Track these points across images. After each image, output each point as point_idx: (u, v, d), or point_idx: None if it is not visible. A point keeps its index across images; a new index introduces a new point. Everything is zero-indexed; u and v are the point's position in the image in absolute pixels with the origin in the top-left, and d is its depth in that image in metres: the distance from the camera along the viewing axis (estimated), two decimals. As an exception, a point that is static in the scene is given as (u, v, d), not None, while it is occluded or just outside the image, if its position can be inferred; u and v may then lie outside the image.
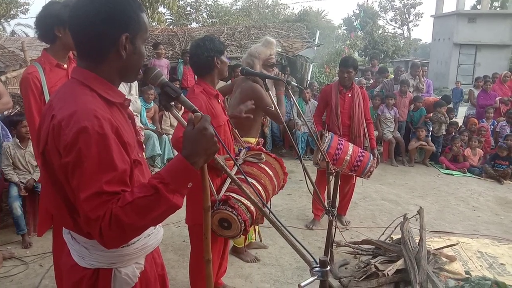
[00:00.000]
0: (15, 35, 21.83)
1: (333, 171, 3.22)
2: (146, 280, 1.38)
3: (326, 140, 3.93)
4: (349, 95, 4.22)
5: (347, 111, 4.20)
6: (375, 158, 4.14)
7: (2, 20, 24.41)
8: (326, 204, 2.93)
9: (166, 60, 8.14)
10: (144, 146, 5.50)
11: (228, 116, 2.73)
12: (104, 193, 1.10)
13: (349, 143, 4.05)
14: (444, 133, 7.58)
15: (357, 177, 4.28)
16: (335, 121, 4.20)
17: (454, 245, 3.72)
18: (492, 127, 7.92)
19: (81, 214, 1.13)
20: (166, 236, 3.85)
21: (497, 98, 8.35)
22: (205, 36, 2.63)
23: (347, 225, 4.43)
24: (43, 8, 2.45)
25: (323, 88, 4.84)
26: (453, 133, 7.62)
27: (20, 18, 24.55)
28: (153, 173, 1.28)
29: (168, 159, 6.37)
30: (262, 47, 3.38)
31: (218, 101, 2.61)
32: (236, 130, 2.82)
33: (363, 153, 4.03)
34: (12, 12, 23.29)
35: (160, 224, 1.43)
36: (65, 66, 2.53)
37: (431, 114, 7.58)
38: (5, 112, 4.31)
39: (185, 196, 1.21)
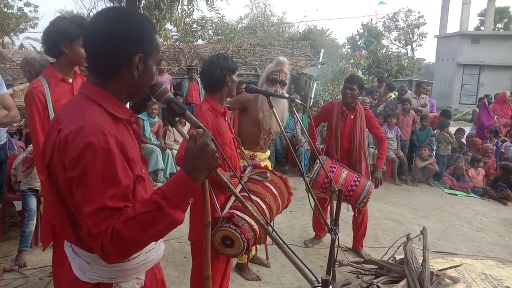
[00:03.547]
0: (23, 49, 22.14)
1: (336, 189, 3.20)
2: (146, 295, 1.37)
3: (316, 168, 3.77)
4: (352, 117, 3.97)
5: (348, 134, 3.95)
6: (371, 184, 3.81)
7: (12, 34, 24.81)
8: (328, 222, 2.90)
9: (169, 75, 8.23)
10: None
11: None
12: (107, 208, 1.11)
13: (343, 170, 3.81)
14: (449, 153, 7.57)
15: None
16: (334, 143, 4.00)
17: (457, 266, 3.68)
18: (496, 147, 7.90)
19: (83, 228, 1.14)
20: (167, 252, 3.82)
21: (495, 117, 8.34)
22: (219, 54, 2.68)
23: (367, 257, 3.87)
24: (50, 23, 2.50)
25: (326, 104, 4.55)
26: (457, 153, 7.61)
27: (29, 32, 24.95)
28: (155, 187, 1.29)
29: (170, 173, 6.38)
30: (271, 63, 3.57)
31: (225, 118, 2.63)
32: (242, 147, 2.85)
33: (357, 181, 3.75)
34: (21, 26, 23.69)
35: (161, 240, 1.43)
36: (70, 80, 2.56)
37: (435, 131, 7.58)
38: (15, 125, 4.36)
39: (188, 212, 1.22)
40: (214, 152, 1.20)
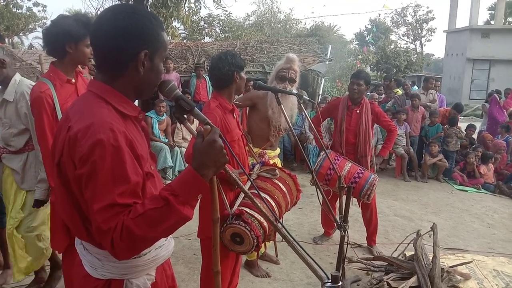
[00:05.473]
0: (32, 48, 22.36)
1: (344, 185, 3.19)
2: (156, 291, 1.38)
3: (319, 159, 3.80)
4: (357, 111, 3.95)
5: (354, 128, 3.95)
6: (376, 177, 3.76)
7: (21, 34, 25.08)
8: (338, 219, 2.90)
9: (176, 73, 8.25)
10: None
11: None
12: (116, 205, 1.12)
13: (347, 162, 3.80)
14: (459, 148, 7.50)
15: (374, 200, 3.97)
16: (339, 137, 4.01)
17: (468, 263, 3.64)
18: (506, 142, 7.80)
19: (93, 225, 1.15)
20: (177, 249, 3.84)
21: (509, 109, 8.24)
22: (227, 51, 2.68)
23: (377, 254, 3.84)
24: (53, 23, 2.41)
25: (332, 100, 4.66)
26: (467, 148, 7.53)
27: (38, 31, 25.19)
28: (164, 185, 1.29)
29: (179, 171, 6.41)
30: (281, 60, 3.56)
31: (234, 116, 2.63)
32: (250, 145, 2.85)
33: (360, 173, 3.73)
34: (30, 26, 23.94)
35: (171, 236, 1.44)
36: (73, 81, 2.50)
37: (445, 126, 7.52)
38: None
39: (197, 209, 1.22)
40: (222, 148, 1.20)
